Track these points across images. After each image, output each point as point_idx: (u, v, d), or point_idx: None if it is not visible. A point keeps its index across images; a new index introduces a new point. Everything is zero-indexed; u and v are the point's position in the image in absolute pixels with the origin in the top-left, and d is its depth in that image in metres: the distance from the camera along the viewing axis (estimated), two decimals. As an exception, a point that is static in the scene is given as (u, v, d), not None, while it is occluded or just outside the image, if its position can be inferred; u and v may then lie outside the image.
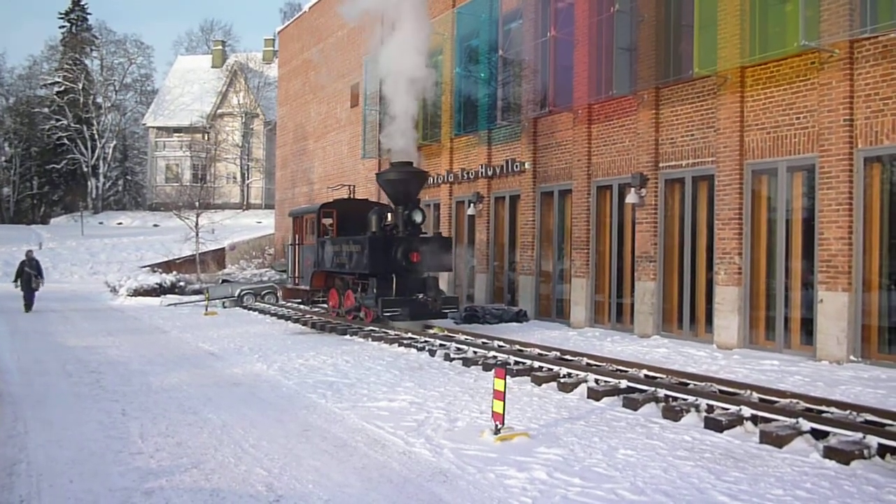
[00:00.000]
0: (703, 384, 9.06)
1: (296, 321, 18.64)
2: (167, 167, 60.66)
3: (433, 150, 23.31)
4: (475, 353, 12.24)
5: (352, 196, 21.03)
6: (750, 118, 13.40)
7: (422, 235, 16.03)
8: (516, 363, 11.13)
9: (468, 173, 21.21)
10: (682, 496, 5.68)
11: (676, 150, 14.86)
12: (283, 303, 23.69)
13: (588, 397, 9.17)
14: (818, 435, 7.06)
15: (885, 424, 7.21)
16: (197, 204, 35.18)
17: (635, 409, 8.46)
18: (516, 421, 7.87)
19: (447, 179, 22.24)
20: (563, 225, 18.19)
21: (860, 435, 6.74)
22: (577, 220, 17.25)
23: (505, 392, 7.26)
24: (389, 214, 16.32)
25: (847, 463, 6.40)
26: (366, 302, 15.94)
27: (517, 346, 12.52)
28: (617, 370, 10.26)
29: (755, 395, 8.48)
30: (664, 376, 9.69)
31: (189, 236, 34.02)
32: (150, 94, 67.05)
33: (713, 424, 7.62)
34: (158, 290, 26.50)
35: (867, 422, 7.28)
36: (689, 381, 9.26)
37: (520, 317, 17.74)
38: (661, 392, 8.76)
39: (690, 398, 8.45)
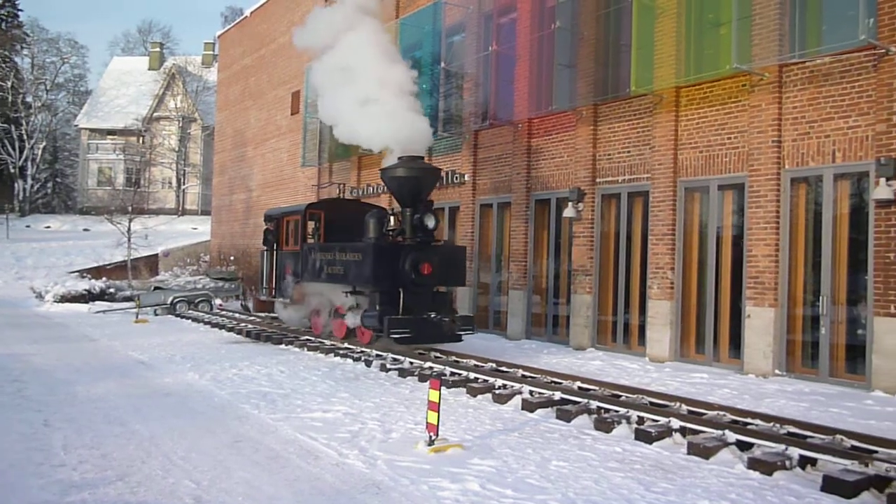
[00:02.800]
0: (635, 396, 9.22)
1: (230, 330, 18.30)
2: (100, 170, 58.99)
3: (373, 160, 23.23)
4: (411, 363, 12.22)
5: (341, 195, 19.07)
6: (684, 137, 13.76)
7: (434, 243, 13.81)
8: (452, 374, 11.15)
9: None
10: (611, 507, 5.76)
11: (613, 166, 15.15)
12: (218, 311, 23.24)
13: (522, 409, 9.24)
14: (743, 446, 7.25)
15: (806, 436, 7.46)
16: (130, 209, 34.32)
17: (568, 421, 8.56)
18: (451, 432, 7.88)
19: (387, 189, 22.14)
20: (502, 237, 18.34)
21: (783, 447, 6.95)
22: (515, 233, 17.42)
23: (440, 403, 7.26)
24: (392, 218, 13.81)
25: (770, 474, 6.59)
26: (365, 321, 13.51)
27: (453, 358, 12.55)
28: (552, 382, 10.37)
29: (684, 407, 8.68)
30: (597, 388, 9.83)
31: (121, 242, 33.15)
32: (84, 94, 65.22)
33: (643, 436, 7.76)
34: (87, 297, 25.72)
35: (790, 434, 7.52)
36: (621, 394, 9.42)
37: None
38: (594, 404, 8.89)
39: (622, 410, 8.59)
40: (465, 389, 10.33)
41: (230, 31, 36.59)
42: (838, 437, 7.34)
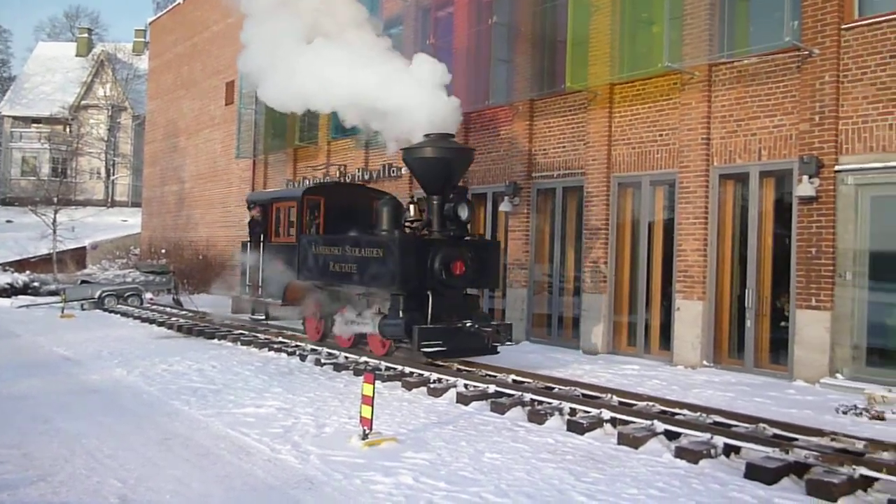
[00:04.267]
0: (568, 388, 9.37)
1: (161, 324, 17.87)
2: (23, 160, 56.75)
3: (310, 152, 23.03)
4: (346, 358, 12.14)
5: (343, 179, 15.99)
6: (617, 133, 14.00)
7: (467, 238, 11.86)
8: (387, 368, 11.12)
9: (345, 177, 21.03)
10: (543, 497, 5.84)
11: (549, 161, 15.32)
12: (149, 305, 22.67)
13: (457, 402, 9.28)
14: (671, 436, 7.43)
15: (731, 425, 7.70)
16: (56, 200, 33.18)
17: (502, 413, 8.63)
18: (385, 426, 7.86)
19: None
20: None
21: (709, 436, 7.15)
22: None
23: (374, 397, 7.24)
24: (412, 207, 12.11)
25: (696, 462, 6.77)
26: (385, 329, 11.33)
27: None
28: (486, 375, 10.44)
29: (615, 398, 8.84)
30: (531, 381, 9.94)
31: (46, 234, 32.03)
32: (7, 80, 62.74)
33: (575, 427, 7.88)
34: (10, 291, 24.77)
35: (716, 423, 7.74)
36: (554, 386, 9.54)
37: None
38: (528, 396, 8.98)
39: (555, 402, 8.71)
40: (400, 383, 10.32)
41: (162, 17, 35.67)
42: (761, 425, 7.60)
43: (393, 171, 19.26)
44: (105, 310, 22.16)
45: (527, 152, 15.69)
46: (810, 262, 11.08)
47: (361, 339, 12.69)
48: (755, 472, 6.33)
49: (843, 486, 5.93)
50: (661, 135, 13.31)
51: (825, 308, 10.91)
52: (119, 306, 22.41)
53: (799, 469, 6.36)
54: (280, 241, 14.20)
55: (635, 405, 8.53)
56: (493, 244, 13.04)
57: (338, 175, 16.63)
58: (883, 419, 8.71)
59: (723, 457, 6.93)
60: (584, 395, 9.09)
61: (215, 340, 15.10)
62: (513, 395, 9.11)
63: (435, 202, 11.48)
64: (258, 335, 14.88)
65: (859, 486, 6.06)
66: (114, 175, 56.50)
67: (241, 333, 15.19)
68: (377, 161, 20.12)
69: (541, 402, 8.82)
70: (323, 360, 12.01)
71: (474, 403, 9.11)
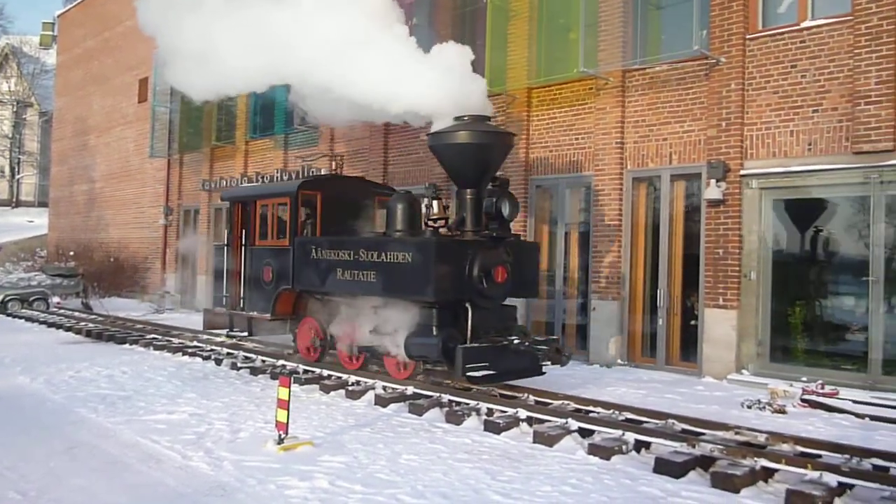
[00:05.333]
0: (485, 389, 9.44)
1: (69, 329, 17.20)
2: (-80, 157, 53.83)
3: (227, 152, 22.57)
4: (264, 361, 11.95)
5: (339, 171, 13.49)
6: (535, 137, 14.22)
7: (509, 239, 10.11)
8: (305, 371, 10.99)
9: (263, 177, 20.61)
10: (459, 497, 5.87)
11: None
12: (56, 309, 21.79)
13: (375, 404, 9.25)
14: (585, 433, 7.59)
15: (642, 422, 7.91)
16: (-45, 199, 31.52)
17: (420, 415, 8.65)
18: (302, 430, 7.77)
19: (241, 183, 21.48)
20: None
21: (620, 432, 7.33)
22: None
23: (289, 401, 7.14)
24: (435, 203, 10.30)
25: (608, 458, 6.93)
26: (414, 349, 9.58)
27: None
28: (538, 403, 10.31)
29: (532, 397, 8.97)
30: (449, 382, 9.98)
31: (-56, 235, 30.41)
32: None
33: (492, 427, 7.96)
34: None
35: (628, 420, 7.95)
36: (471, 387, 9.61)
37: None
38: (446, 397, 9.02)
39: (472, 402, 8.78)
40: (318, 386, 10.21)
41: (71, 10, 34.30)
42: (670, 421, 7.84)
43: (312, 173, 19.00)
44: (8, 314, 21.19)
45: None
46: (718, 263, 11.50)
47: (372, 360, 10.91)
48: (663, 467, 6.53)
49: (746, 477, 6.17)
50: (577, 138, 13.58)
51: (732, 307, 11.34)
52: (24, 311, 21.47)
53: (705, 462, 6.58)
54: (267, 245, 12.03)
55: (551, 404, 8.68)
56: (533, 245, 11.56)
57: (331, 166, 13.42)
58: (785, 412, 9.11)
59: (634, 452, 7.12)
60: (500, 395, 9.19)
61: (126, 345, 14.62)
62: (431, 397, 9.13)
63: (469, 197, 9.81)
64: (172, 339, 14.49)
65: (760, 478, 6.31)
66: (19, 174, 54.03)
67: (154, 338, 14.76)
68: (297, 161, 19.84)
69: (458, 403, 8.87)
70: (239, 364, 11.79)
71: (392, 405, 9.10)
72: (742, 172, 11.37)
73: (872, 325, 10.25)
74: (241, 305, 12.42)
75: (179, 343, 14.04)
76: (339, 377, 10.49)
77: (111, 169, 29.31)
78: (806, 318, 11.07)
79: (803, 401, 9.53)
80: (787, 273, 11.33)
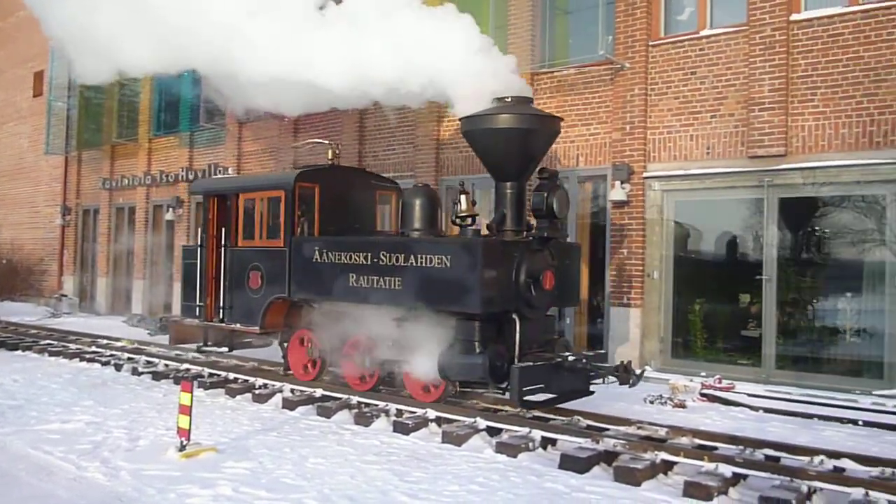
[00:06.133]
0: (395, 389, 9.41)
1: (-45, 336, 16.21)
2: None
3: (129, 150, 21.79)
4: (167, 366, 11.57)
5: (337, 161, 11.27)
6: (446, 137, 14.28)
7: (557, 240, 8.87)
8: (210, 375, 10.70)
9: (168, 176, 20.08)
10: (366, 499, 5.82)
11: (380, 164, 15.34)
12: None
13: (283, 407, 9.09)
14: (493, 432, 7.65)
15: (548, 419, 8.04)
16: None
17: (329, 417, 8.54)
18: (205, 436, 7.55)
19: (144, 182, 20.86)
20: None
21: (527, 430, 7.42)
22: (281, 229, 17.08)
23: (192, 406, 6.93)
24: (463, 198, 8.78)
25: (515, 456, 7.01)
26: (451, 371, 8.25)
27: (213, 358, 12.03)
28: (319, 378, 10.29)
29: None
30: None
31: None
32: None
33: (401, 428, 7.93)
34: None
35: (535, 417, 8.06)
36: (381, 388, 9.55)
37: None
38: (355, 399, 8.94)
39: (381, 404, 8.72)
40: (224, 390, 9.96)
41: (-41, -1, 32.40)
42: (576, 417, 8.01)
43: (219, 172, 18.58)
44: None
45: (356, 154, 15.64)
46: (622, 263, 11.81)
47: (385, 378, 9.43)
48: (568, 463, 6.64)
49: (647, 471, 6.34)
50: (488, 140, 13.68)
51: (636, 305, 11.67)
52: None
53: (609, 457, 6.73)
54: (254, 245, 10.53)
55: (460, 402, 8.70)
56: (576, 247, 10.09)
57: (330, 156, 11.18)
58: (685, 407, 9.42)
59: (540, 449, 7.22)
60: (410, 395, 9.15)
61: (19, 352, 13.87)
62: (339, 399, 9.02)
63: (509, 191, 8.76)
64: (68, 344, 13.86)
65: (661, 471, 6.50)
66: None
67: (50, 343, 14.10)
68: (203, 160, 19.35)
69: (367, 405, 8.80)
70: (141, 370, 11.37)
71: (300, 408, 8.96)
72: (645, 175, 11.71)
73: (765, 321, 10.73)
74: (221, 316, 10.86)
75: (77, 348, 13.44)
76: (246, 380, 10.26)
77: (3, 166, 27.85)
78: (706, 315, 11.49)
79: (702, 395, 9.88)
80: (688, 272, 11.73)
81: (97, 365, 12.17)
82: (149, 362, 11.86)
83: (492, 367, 7.99)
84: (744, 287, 11.26)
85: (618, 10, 12.08)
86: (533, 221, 8.77)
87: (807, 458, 6.54)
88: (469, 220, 8.67)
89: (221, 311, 10.85)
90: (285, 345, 10.51)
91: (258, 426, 8.18)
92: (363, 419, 8.29)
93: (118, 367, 11.76)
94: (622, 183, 11.74)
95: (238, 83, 10.89)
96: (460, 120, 9.09)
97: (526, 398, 7.87)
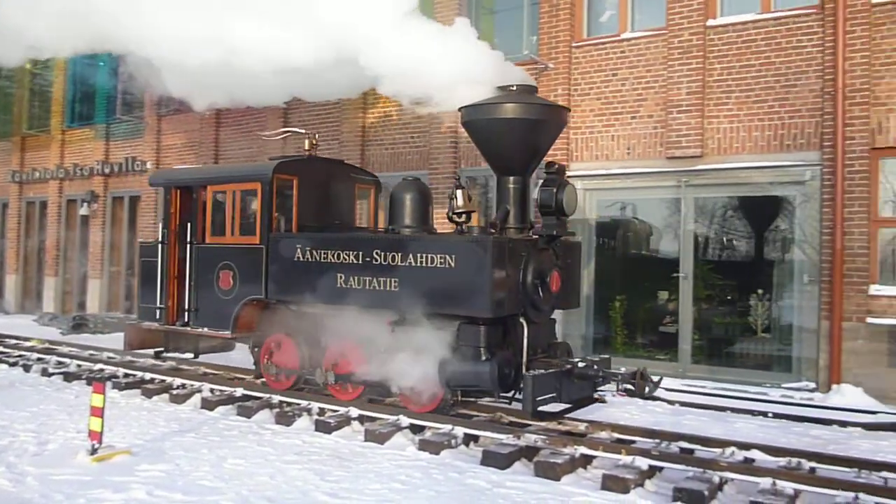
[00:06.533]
0: (318, 388, 9.31)
1: None
2: None
3: (40, 142, 20.92)
4: (79, 366, 11.15)
5: (314, 152, 10.25)
6: (370, 134, 14.22)
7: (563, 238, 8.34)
8: (126, 375, 10.36)
9: (82, 169, 19.36)
10: (285, 500, 5.72)
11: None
12: None
13: (202, 408, 8.87)
14: (416, 429, 7.63)
15: (471, 416, 8.08)
16: None
17: (249, 417, 8.38)
18: (119, 438, 7.30)
19: (57, 175, 20.06)
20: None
21: (450, 427, 7.43)
22: (202, 225, 16.72)
23: (104, 408, 6.68)
24: (459, 193, 8.11)
25: (438, 453, 7.01)
26: (456, 376, 7.64)
27: (128, 357, 11.65)
28: (235, 378, 10.10)
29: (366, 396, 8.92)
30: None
31: None
32: None
33: (323, 427, 7.83)
34: None
35: (458, 414, 8.07)
36: (304, 386, 9.43)
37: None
38: (276, 398, 8.80)
39: (304, 402, 8.61)
40: (140, 391, 9.66)
41: None
42: (498, 413, 8.07)
43: (137, 165, 18.04)
44: None
45: (280, 150, 15.38)
46: (545, 261, 11.95)
47: (374, 388, 8.67)
48: (490, 459, 6.68)
49: (566, 465, 6.43)
50: (412, 137, 13.69)
51: (558, 302, 11.82)
52: None
53: (530, 452, 6.80)
54: (225, 242, 9.68)
55: (382, 401, 8.66)
56: (577, 245, 9.30)
57: (308, 145, 10.18)
58: (605, 402, 9.58)
59: (463, 446, 7.24)
60: (332, 394, 9.07)
61: (-82, 352, 13.16)
62: (261, 398, 8.87)
63: (512, 186, 8.23)
64: (-27, 345, 13.22)
65: (580, 465, 6.61)
66: None
67: (-48, 344, 13.42)
68: (120, 154, 18.74)
69: (289, 404, 8.67)
70: (51, 370, 10.92)
71: (220, 408, 8.77)
72: (569, 174, 11.87)
73: (682, 317, 11.05)
74: (185, 319, 9.98)
75: (-18, 349, 12.83)
76: (163, 380, 9.98)
77: None
78: (626, 311, 11.75)
79: (621, 390, 10.07)
80: (609, 270, 11.97)
81: (4, 366, 11.63)
82: (60, 363, 11.41)
83: (501, 374, 7.50)
84: (662, 284, 11.57)
85: (542, 10, 12.24)
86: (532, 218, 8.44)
87: (719, 450, 6.74)
88: (464, 217, 8.08)
89: (186, 313, 9.97)
90: (257, 350, 9.72)
91: (175, 427, 7.97)
92: (284, 418, 8.16)
93: (27, 368, 11.27)
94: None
95: (156, 70, 10.50)
96: (460, 110, 8.43)
97: (540, 408, 7.32)
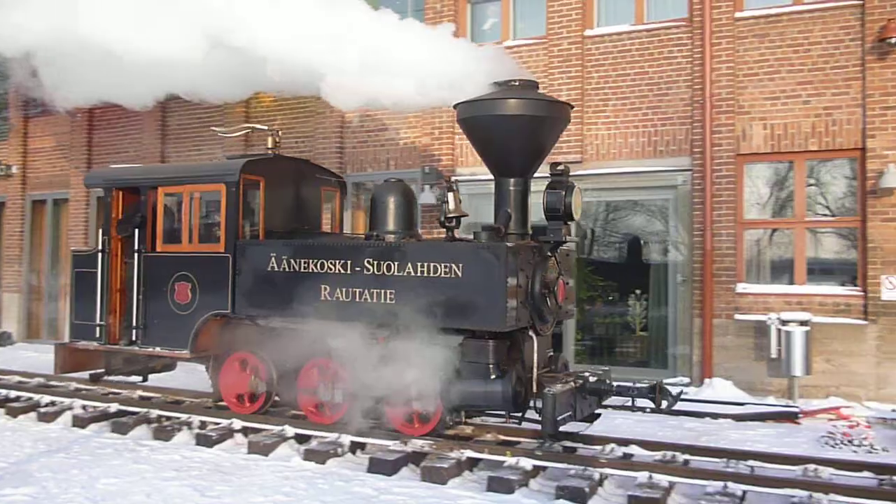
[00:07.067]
0: (199, 400, 9.00)
1: None
2: None
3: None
4: (-66, 385, 10.35)
5: (277, 150, 9.30)
6: (254, 139, 13.88)
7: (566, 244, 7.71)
8: (-12, 394, 9.70)
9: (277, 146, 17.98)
10: (162, 519, 5.50)
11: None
12: None
13: (73, 426, 8.41)
14: (302, 439, 7.49)
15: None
16: None
17: (125, 434, 8.01)
18: (-22, 462, 6.83)
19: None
20: (58, 235, 16.62)
21: (336, 435, 7.33)
22: (73, 231, 15.89)
23: (-40, 430, 6.23)
24: (451, 195, 7.47)
25: (324, 462, 6.91)
26: (466, 396, 7.04)
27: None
28: (109, 394, 9.62)
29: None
30: (160, 395, 9.37)
31: None
32: None
33: (204, 440, 7.57)
34: None
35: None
36: (184, 399, 9.10)
37: (3, 339, 15.73)
38: (154, 412, 8.45)
39: (184, 416, 8.30)
40: (3, 410, 9.07)
41: None
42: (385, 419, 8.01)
43: (1, 170, 16.98)
44: None
45: (159, 154, 14.86)
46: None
47: (359, 408, 7.66)
48: (377, 466, 6.64)
49: (452, 469, 6.46)
50: (297, 142, 13.47)
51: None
52: None
53: (416, 458, 6.80)
54: (182, 251, 8.59)
55: (183, 402, 8.40)
56: (572, 252, 8.88)
57: (271, 143, 9.25)
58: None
59: (349, 454, 7.16)
60: (215, 406, 8.79)
61: None
62: (138, 413, 8.49)
63: (513, 188, 7.61)
64: None
65: (466, 468, 6.66)
66: None
67: None
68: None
69: (168, 418, 8.34)
70: None
71: (93, 426, 8.34)
72: (453, 178, 11.95)
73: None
74: (133, 337, 8.83)
75: None
76: (30, 398, 9.38)
77: None
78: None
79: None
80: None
81: None
82: (-88, 383, 10.56)
83: (514, 393, 6.90)
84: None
85: (427, 17, 12.30)
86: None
87: (600, 447, 6.95)
88: (455, 222, 7.49)
89: (133, 331, 8.82)
90: (217, 371, 8.66)
91: (42, 448, 7.51)
92: (163, 433, 7.84)
93: None
94: (431, 186, 11.95)
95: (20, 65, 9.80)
96: (456, 107, 7.75)
97: (560, 429, 6.79)
